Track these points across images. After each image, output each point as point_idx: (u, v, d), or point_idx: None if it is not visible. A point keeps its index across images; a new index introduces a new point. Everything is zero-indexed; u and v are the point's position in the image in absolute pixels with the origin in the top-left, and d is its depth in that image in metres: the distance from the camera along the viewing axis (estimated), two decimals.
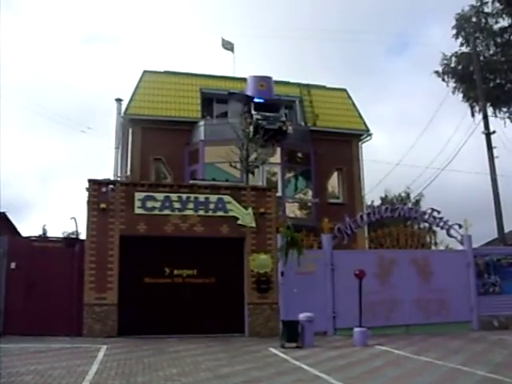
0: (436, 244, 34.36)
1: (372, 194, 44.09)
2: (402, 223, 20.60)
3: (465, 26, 28.64)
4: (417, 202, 47.39)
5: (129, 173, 25.47)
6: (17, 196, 62.71)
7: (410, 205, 43.24)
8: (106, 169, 24.53)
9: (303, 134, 26.58)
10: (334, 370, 10.70)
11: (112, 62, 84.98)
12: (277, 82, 27.10)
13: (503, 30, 28.58)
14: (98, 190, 16.33)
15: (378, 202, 45.77)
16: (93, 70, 76.49)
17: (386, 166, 47.55)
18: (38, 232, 39.30)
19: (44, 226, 43.14)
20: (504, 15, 28.36)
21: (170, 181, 24.00)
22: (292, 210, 25.62)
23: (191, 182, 19.60)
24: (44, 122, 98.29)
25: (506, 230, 26.10)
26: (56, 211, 68.40)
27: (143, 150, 25.44)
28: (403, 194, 48.69)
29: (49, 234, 38.47)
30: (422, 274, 18.40)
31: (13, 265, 15.43)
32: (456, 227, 19.49)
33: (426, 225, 25.60)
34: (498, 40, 28.77)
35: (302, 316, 14.40)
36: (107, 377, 9.49)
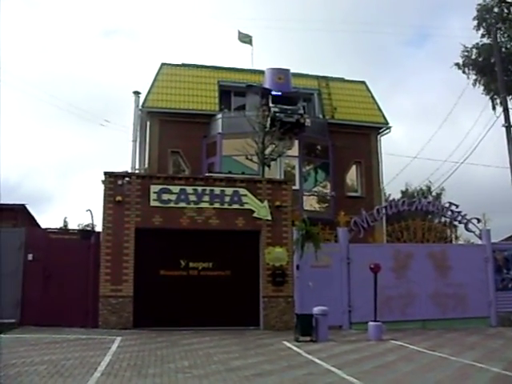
0: (456, 238, 34.06)
1: (392, 188, 43.95)
2: (422, 217, 20.44)
3: (486, 16, 28.19)
4: (438, 196, 47.11)
5: (147, 165, 25.62)
6: (38, 189, 63.59)
7: (430, 198, 43.11)
8: (125, 162, 24.77)
9: (321, 127, 26.49)
10: (346, 364, 10.69)
11: (130, 56, 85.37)
12: (295, 75, 27.02)
13: None
14: (113, 183, 16.43)
15: (398, 196, 45.56)
16: (111, 64, 77.12)
17: (405, 159, 47.25)
18: (59, 224, 39.87)
19: (65, 218, 43.79)
20: None
21: (188, 173, 24.06)
22: (310, 203, 25.57)
23: (207, 174, 19.65)
24: (63, 115, 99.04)
25: None
26: (76, 204, 69.03)
27: (161, 143, 25.55)
28: (424, 188, 48.41)
29: (70, 227, 39.02)
30: (439, 268, 18.27)
31: (30, 256, 15.62)
32: (474, 221, 19.33)
33: (447, 219, 25.37)
34: None
35: (316, 309, 14.38)
36: (119, 368, 9.58)
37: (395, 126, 69.67)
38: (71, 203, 72.33)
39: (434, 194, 48.34)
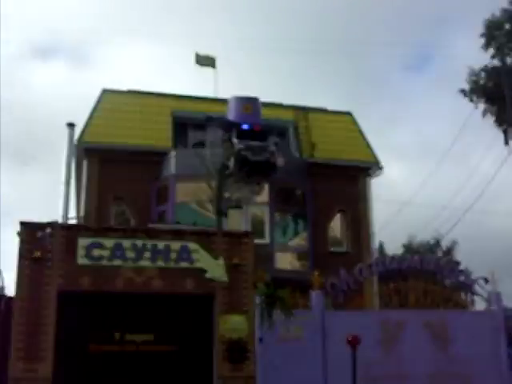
0: (473, 303, 34.01)
1: (394, 241, 44.03)
2: (430, 278, 20.39)
3: (496, 33, 28.78)
4: (448, 251, 47.36)
5: (82, 215, 25.46)
6: None
7: (439, 254, 43.34)
8: (55, 210, 24.54)
9: (298, 168, 26.70)
10: None
11: (68, 81, 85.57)
12: (266, 105, 27.25)
13: None
14: (32, 235, 16.23)
15: (400, 251, 45.71)
16: (44, 90, 76.91)
17: (407, 207, 47.00)
18: None
19: None
20: None
21: (134, 225, 23.95)
22: (288, 260, 25.55)
23: (150, 225, 19.56)
24: None
25: None
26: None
27: (101, 187, 25.51)
28: (432, 241, 48.64)
29: None
30: (438, 340, 18.18)
31: None
32: (481, 282, 19.31)
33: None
34: None
35: None
36: None
37: (393, 165, 70.39)
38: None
39: (444, 248, 48.63)
